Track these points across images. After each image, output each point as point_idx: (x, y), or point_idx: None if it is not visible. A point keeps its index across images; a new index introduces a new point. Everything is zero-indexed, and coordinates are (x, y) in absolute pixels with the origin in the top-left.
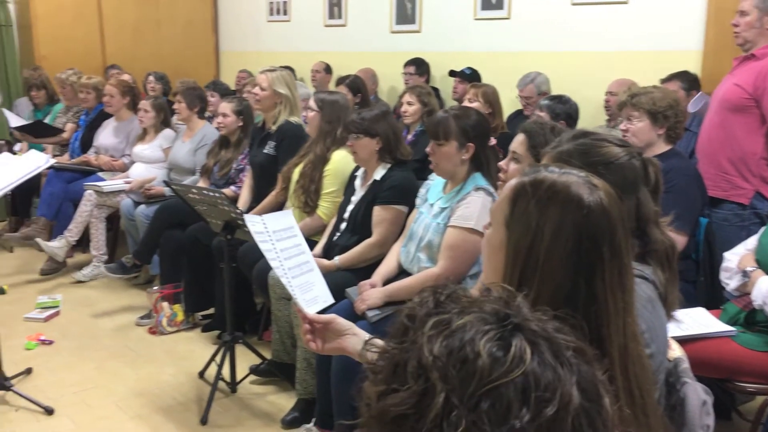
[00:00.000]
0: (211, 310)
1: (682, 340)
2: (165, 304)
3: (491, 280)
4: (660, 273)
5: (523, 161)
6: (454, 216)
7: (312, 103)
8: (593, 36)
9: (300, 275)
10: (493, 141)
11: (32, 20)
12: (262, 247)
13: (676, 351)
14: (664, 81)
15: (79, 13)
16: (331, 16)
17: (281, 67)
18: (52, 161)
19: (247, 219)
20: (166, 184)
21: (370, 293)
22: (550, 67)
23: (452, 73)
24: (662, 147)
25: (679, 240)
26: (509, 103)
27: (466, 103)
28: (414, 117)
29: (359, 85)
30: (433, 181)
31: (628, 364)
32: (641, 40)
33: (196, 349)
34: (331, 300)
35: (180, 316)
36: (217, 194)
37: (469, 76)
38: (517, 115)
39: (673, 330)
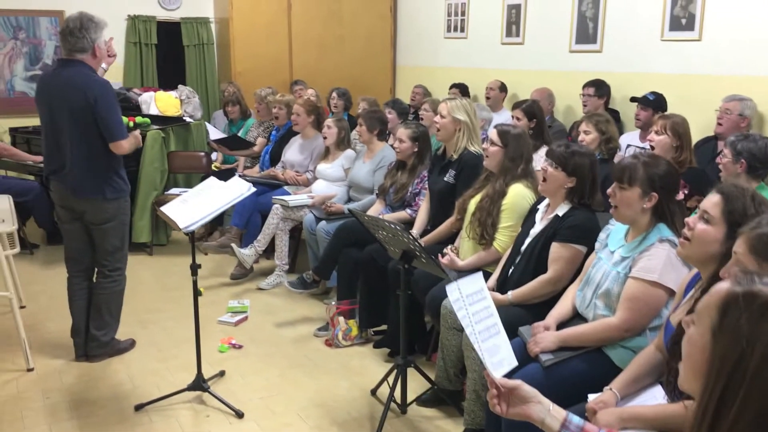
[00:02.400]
0: (383, 327)
1: None
2: (341, 319)
3: (689, 382)
4: None
5: (715, 224)
6: (636, 267)
7: (495, 136)
8: None
9: (488, 338)
10: (680, 196)
11: (231, 40)
12: (459, 314)
13: None
14: None
15: (272, 31)
16: (509, 33)
17: (455, 85)
18: (253, 189)
19: (448, 289)
20: (350, 212)
21: (544, 336)
22: (745, 93)
23: (634, 99)
24: None
25: None
26: (699, 130)
27: (652, 135)
28: (591, 146)
29: (535, 111)
30: (614, 227)
31: None
32: None
33: (368, 365)
34: (515, 363)
35: (354, 331)
36: (398, 227)
37: (653, 102)
38: (706, 142)
39: None
